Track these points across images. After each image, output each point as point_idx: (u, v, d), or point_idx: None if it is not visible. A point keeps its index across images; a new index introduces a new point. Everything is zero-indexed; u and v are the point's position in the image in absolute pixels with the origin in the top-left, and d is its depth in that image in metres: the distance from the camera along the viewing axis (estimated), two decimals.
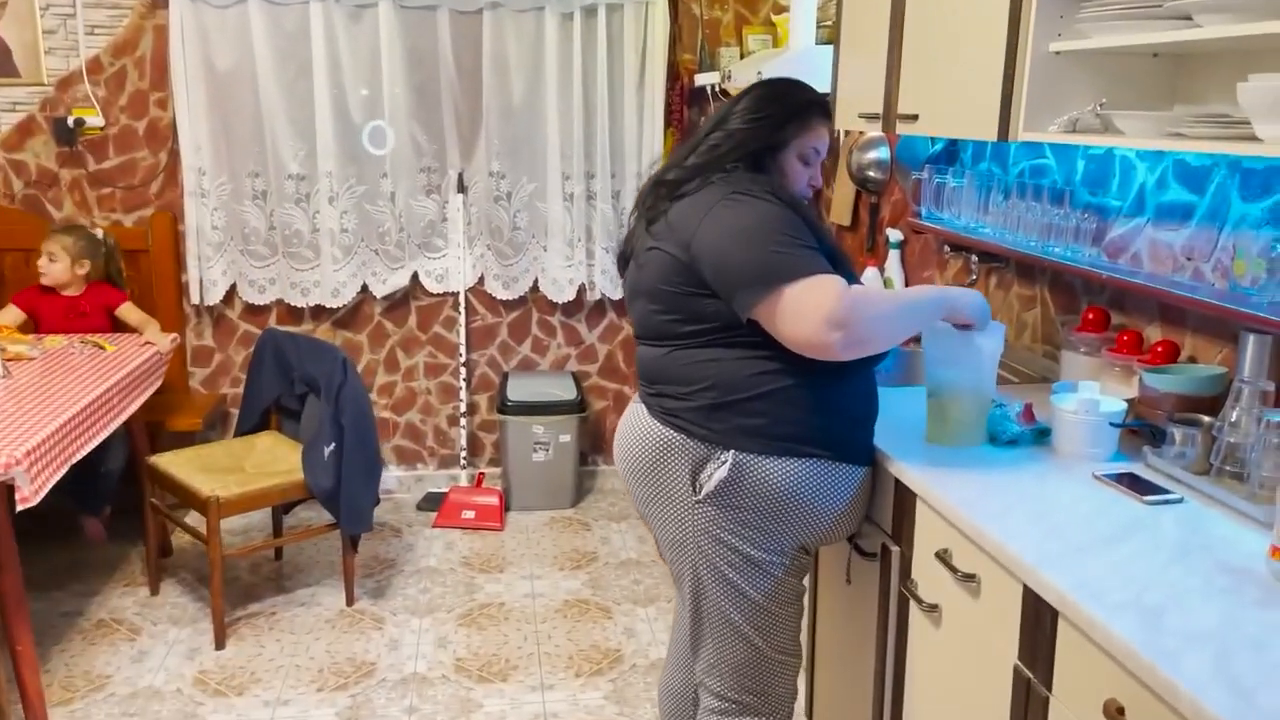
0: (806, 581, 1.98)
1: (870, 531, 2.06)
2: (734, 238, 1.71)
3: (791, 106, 1.90)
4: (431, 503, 4.10)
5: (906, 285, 3.30)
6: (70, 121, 3.74)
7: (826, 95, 2.43)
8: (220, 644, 3.03)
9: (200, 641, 3.07)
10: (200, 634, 3.10)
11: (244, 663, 2.97)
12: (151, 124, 3.83)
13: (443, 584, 3.49)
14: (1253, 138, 1.57)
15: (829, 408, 1.79)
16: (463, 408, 4.20)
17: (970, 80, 2.22)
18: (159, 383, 3.38)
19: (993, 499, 1.69)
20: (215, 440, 3.84)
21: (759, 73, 3.26)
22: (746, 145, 1.85)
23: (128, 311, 3.51)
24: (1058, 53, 2.02)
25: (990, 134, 2.14)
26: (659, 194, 1.88)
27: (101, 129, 3.79)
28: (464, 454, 4.22)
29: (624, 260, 1.99)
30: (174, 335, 3.49)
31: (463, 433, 4.21)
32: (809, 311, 1.63)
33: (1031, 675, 1.48)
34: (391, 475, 4.23)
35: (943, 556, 1.73)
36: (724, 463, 1.78)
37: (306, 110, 3.79)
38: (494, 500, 4.00)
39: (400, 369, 4.20)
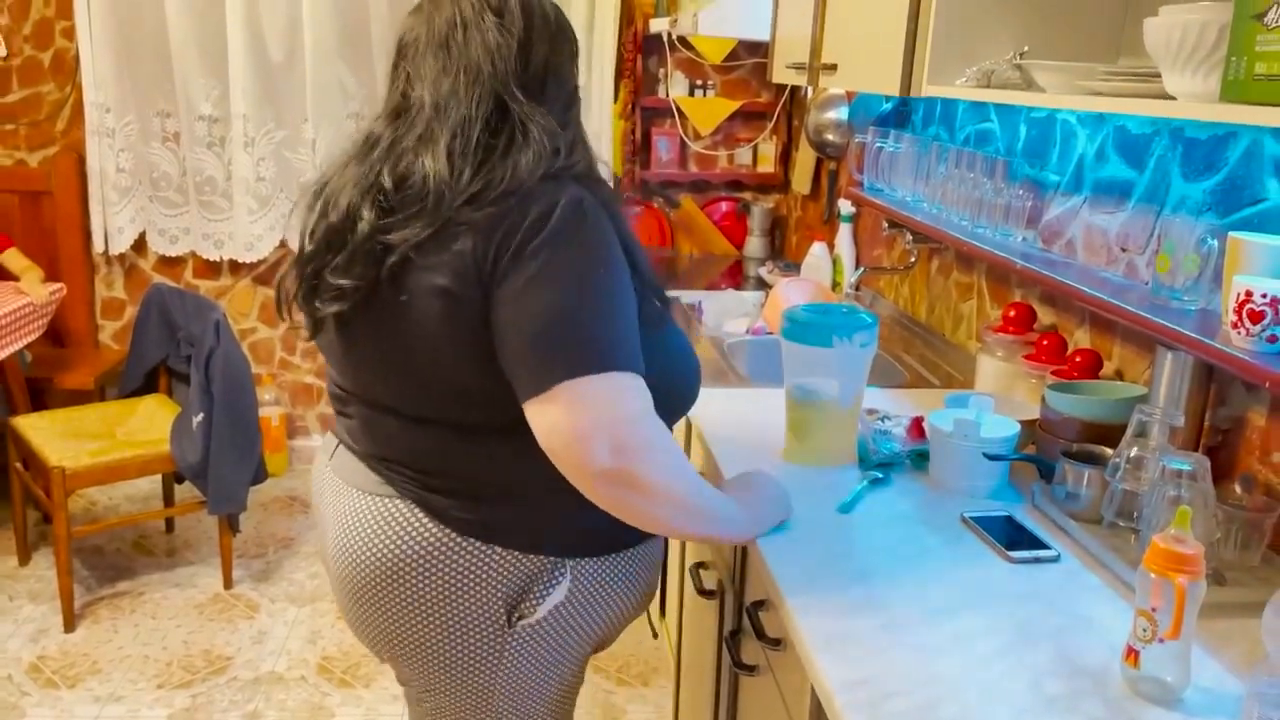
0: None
1: (716, 562, 1.72)
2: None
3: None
4: None
5: (856, 264, 2.91)
6: None
7: None
8: (69, 627, 2.78)
9: (52, 622, 2.81)
10: (56, 613, 2.85)
11: (89, 649, 2.71)
12: (58, 55, 3.54)
13: None
14: (1166, 95, 1.19)
15: None
16: None
17: (879, 20, 1.84)
18: (34, 336, 3.11)
19: (820, 545, 1.34)
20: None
21: (694, 18, 2.88)
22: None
23: (10, 258, 3.24)
24: None
25: (893, 87, 1.76)
26: None
27: (3, 59, 3.51)
28: None
29: None
30: (57, 286, 3.22)
31: None
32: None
33: None
34: (314, 443, 3.95)
35: (755, 611, 1.38)
36: (560, 580, 1.28)
37: (219, 45, 3.46)
38: None
39: None
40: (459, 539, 1.24)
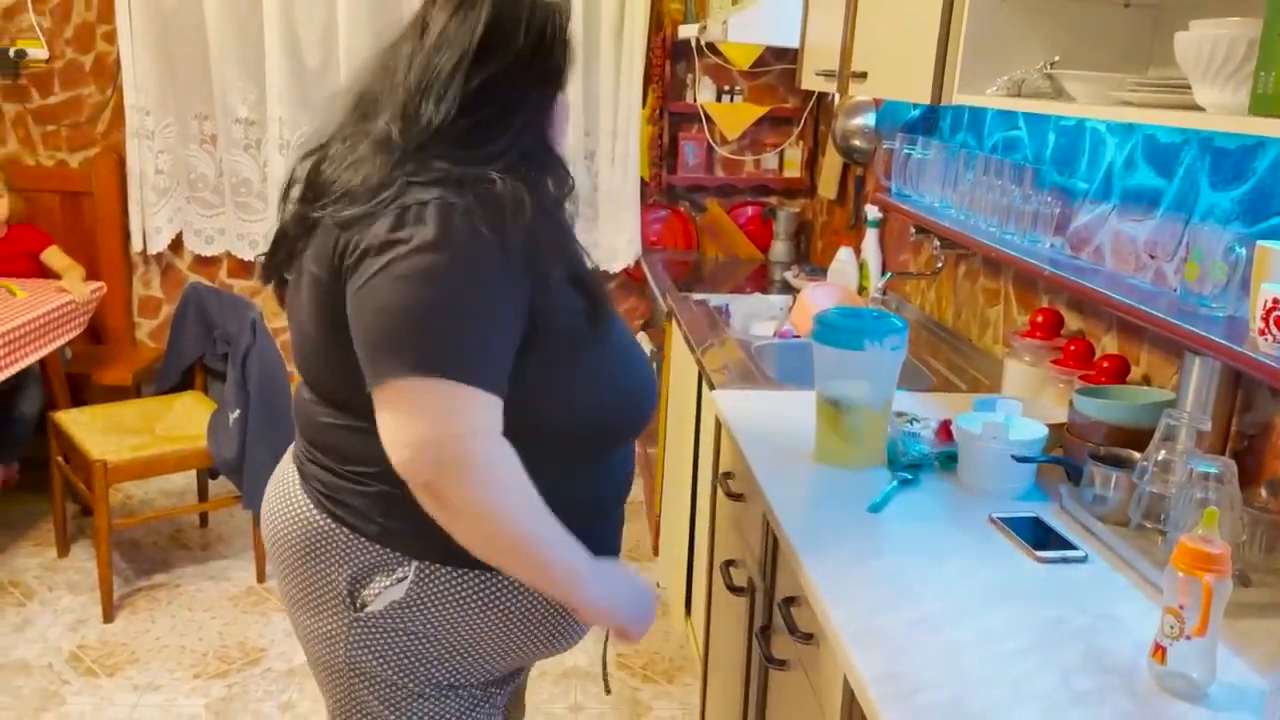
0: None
1: (746, 560, 1.75)
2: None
3: None
4: None
5: (883, 270, 2.94)
6: (12, 53, 3.54)
7: None
8: (108, 617, 2.84)
9: (91, 613, 2.88)
10: (95, 604, 2.91)
11: (128, 640, 2.77)
12: (99, 58, 3.61)
13: None
14: (1196, 106, 1.22)
15: (555, 500, 1.17)
16: None
17: (910, 30, 1.87)
18: (75, 333, 3.18)
19: (851, 544, 1.37)
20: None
21: (724, 24, 2.92)
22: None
23: (52, 256, 3.32)
24: None
25: (924, 95, 1.79)
26: None
27: (46, 62, 3.59)
28: None
29: None
30: (98, 284, 3.30)
31: None
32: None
33: None
34: None
35: (787, 608, 1.42)
36: (402, 578, 1.27)
37: (257, 51, 3.53)
38: None
39: None
40: (316, 513, 1.29)
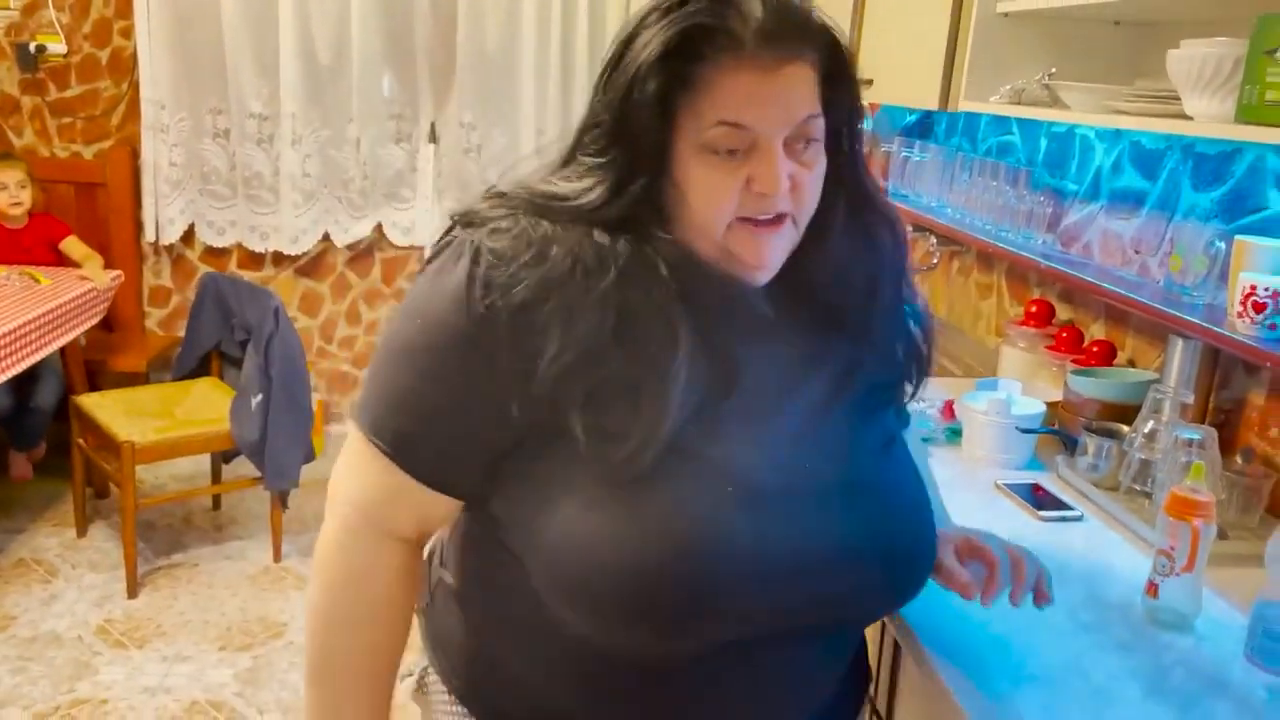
0: None
1: None
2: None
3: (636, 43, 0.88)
4: None
5: None
6: (32, 48, 3.63)
7: None
8: (132, 593, 2.94)
9: (114, 589, 2.98)
10: (117, 581, 3.01)
11: (152, 614, 2.88)
12: (115, 53, 3.71)
13: None
14: (1184, 115, 1.38)
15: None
16: None
17: (918, 41, 2.03)
18: (95, 320, 3.28)
19: None
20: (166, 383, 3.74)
21: None
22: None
23: (71, 245, 3.41)
24: (1006, 14, 1.83)
25: (932, 101, 1.95)
26: None
27: (64, 56, 3.68)
28: None
29: None
30: (117, 273, 3.39)
31: None
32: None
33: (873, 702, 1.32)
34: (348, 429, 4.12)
35: None
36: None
37: (271, 47, 3.64)
38: None
39: (362, 322, 4.07)
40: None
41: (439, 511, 0.98)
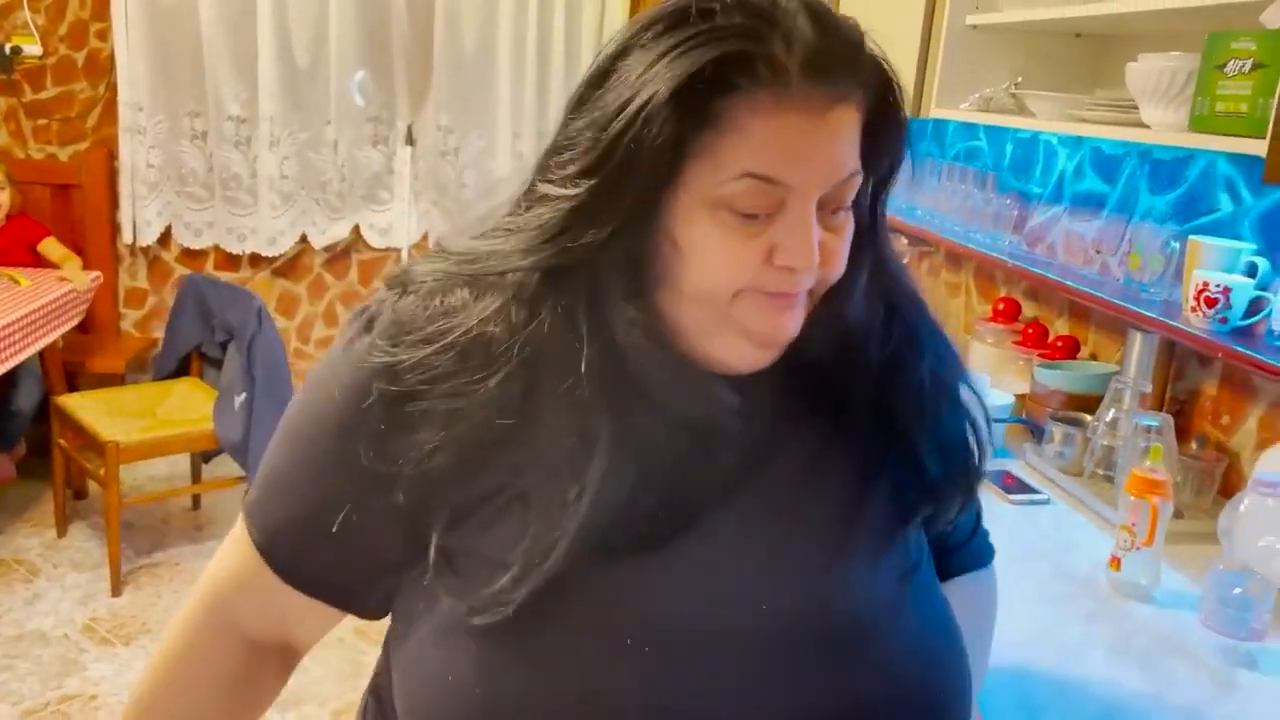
0: None
1: None
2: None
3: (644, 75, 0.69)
4: None
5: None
6: (7, 49, 3.63)
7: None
8: (116, 592, 2.97)
9: (98, 588, 3.00)
10: (100, 580, 3.03)
11: (137, 612, 2.90)
12: (91, 55, 3.72)
13: None
14: (1142, 123, 1.48)
15: None
16: None
17: (890, 51, 2.12)
18: (75, 321, 3.30)
19: None
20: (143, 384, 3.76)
21: None
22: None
23: (49, 247, 3.42)
24: (974, 26, 1.93)
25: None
26: None
27: (40, 58, 3.68)
28: None
29: None
30: (96, 274, 3.41)
31: None
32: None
33: None
34: None
35: None
36: None
37: (249, 50, 3.67)
38: None
39: (339, 323, 4.11)
40: None
41: (302, 616, 0.83)
